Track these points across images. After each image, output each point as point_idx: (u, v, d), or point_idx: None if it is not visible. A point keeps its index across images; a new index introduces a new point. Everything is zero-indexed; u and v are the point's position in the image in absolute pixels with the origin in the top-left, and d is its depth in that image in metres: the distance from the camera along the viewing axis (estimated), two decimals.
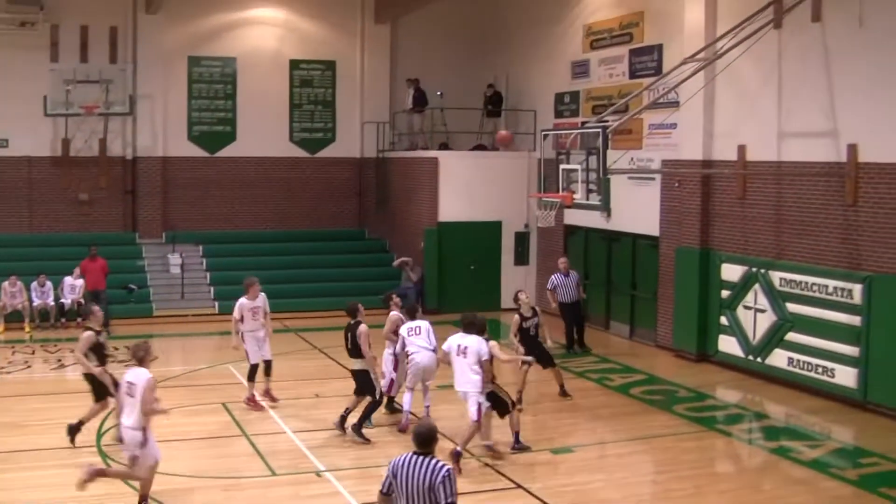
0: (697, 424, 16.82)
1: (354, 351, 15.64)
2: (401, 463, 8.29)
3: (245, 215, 30.61)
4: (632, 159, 23.46)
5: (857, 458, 15.11)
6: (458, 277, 27.95)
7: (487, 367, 14.12)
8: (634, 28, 24.32)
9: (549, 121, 27.70)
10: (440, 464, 8.24)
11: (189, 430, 15.91)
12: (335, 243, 30.86)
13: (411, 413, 15.88)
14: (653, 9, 23.66)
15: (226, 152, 30.35)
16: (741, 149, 20.47)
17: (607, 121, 19.50)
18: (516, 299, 17.60)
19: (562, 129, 24.11)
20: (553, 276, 22.83)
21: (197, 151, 30.14)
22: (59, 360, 21.45)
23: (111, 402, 14.54)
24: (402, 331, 16.08)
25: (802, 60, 18.90)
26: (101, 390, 14.88)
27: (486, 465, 14.18)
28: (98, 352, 14.94)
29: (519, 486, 13.29)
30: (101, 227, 29.16)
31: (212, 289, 27.79)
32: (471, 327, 14.40)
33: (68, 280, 25.28)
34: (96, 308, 15.82)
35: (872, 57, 17.43)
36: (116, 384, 13.67)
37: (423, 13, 30.82)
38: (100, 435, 15.36)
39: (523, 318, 17.28)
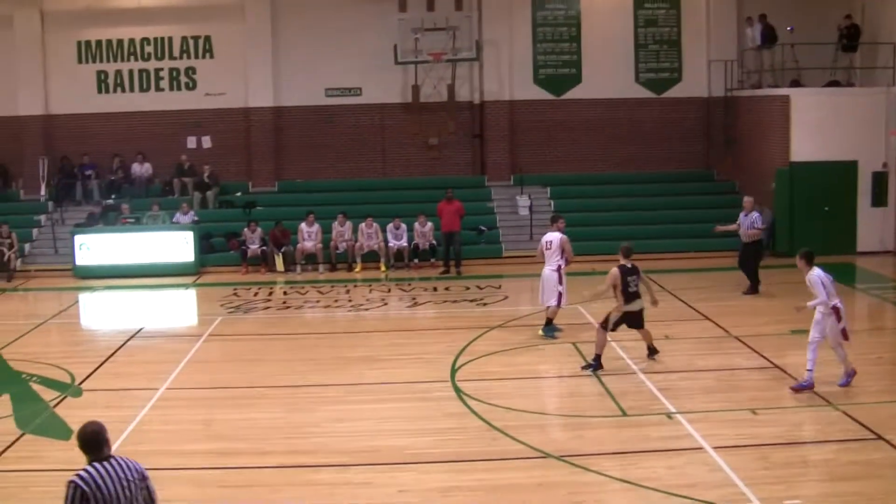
0: None
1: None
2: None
3: (590, 157, 30.37)
4: None
5: None
6: (811, 220, 26.55)
7: None
8: None
9: None
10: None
11: (537, 369, 16.09)
12: (682, 185, 30.12)
13: None
14: None
15: (571, 94, 30.21)
16: None
17: None
18: None
19: None
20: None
21: (543, 94, 30.17)
22: (414, 299, 22.11)
23: None
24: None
25: None
26: None
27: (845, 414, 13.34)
28: None
29: (879, 438, 12.39)
30: (450, 170, 29.91)
31: None
32: None
33: (417, 225, 25.95)
34: None
35: None
36: None
37: None
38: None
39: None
